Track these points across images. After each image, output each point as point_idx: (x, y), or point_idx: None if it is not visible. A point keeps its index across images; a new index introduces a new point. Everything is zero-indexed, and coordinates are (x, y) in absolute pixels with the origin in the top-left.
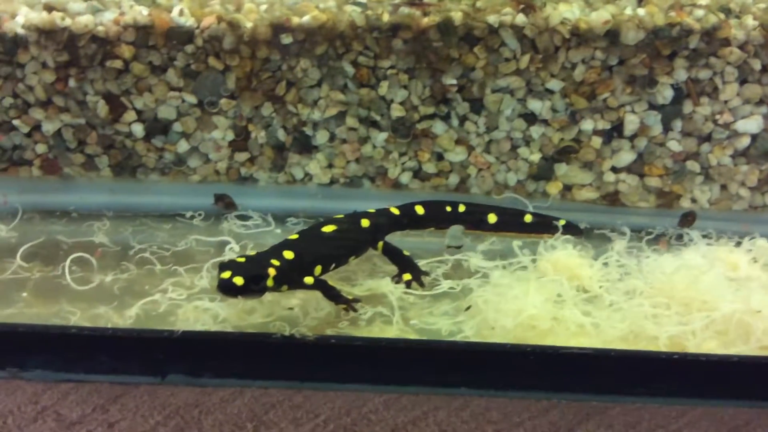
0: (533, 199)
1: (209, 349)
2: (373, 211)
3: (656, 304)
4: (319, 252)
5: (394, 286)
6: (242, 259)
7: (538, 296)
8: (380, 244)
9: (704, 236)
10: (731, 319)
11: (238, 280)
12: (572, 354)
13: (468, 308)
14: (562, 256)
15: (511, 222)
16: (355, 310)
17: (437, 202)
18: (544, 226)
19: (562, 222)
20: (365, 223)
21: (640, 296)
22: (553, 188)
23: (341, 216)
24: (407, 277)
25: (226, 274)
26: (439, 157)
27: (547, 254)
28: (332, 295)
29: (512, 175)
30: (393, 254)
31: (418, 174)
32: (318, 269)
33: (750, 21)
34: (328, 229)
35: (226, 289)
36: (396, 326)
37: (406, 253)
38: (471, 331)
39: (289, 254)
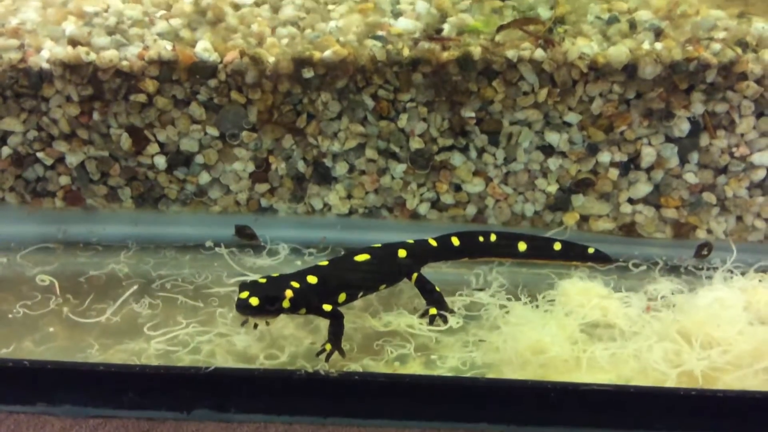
0: (550, 230)
1: (234, 384)
2: (411, 241)
3: (674, 339)
4: (345, 279)
5: (415, 320)
6: (263, 280)
7: (559, 331)
8: (414, 275)
9: (719, 268)
10: (752, 355)
11: (254, 301)
12: (592, 390)
13: (481, 341)
14: (583, 288)
15: (541, 249)
16: (339, 356)
17: (471, 233)
18: (573, 253)
19: (591, 250)
20: (402, 253)
21: (660, 331)
22: (570, 219)
23: (378, 245)
24: (433, 311)
25: (244, 294)
26: (457, 188)
27: (568, 287)
28: (335, 333)
29: (530, 206)
30: (424, 288)
31: (436, 204)
32: (342, 296)
33: (766, 55)
34: (362, 258)
35: (242, 308)
36: (416, 362)
37: (437, 288)
38: (490, 367)
39: (312, 279)
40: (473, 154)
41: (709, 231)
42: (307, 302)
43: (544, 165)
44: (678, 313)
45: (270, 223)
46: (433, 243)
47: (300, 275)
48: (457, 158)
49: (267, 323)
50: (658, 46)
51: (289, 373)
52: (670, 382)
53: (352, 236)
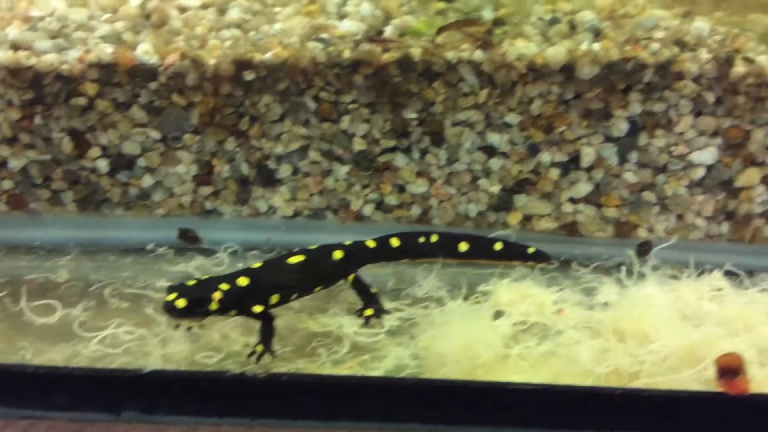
0: (494, 230)
1: (163, 386)
2: (349, 243)
3: (607, 337)
4: (277, 281)
5: (349, 323)
6: (192, 282)
7: (491, 331)
8: (351, 276)
9: (658, 267)
10: (677, 354)
11: (180, 303)
12: (519, 390)
13: (413, 339)
14: (519, 287)
15: (482, 250)
16: (257, 360)
17: (411, 234)
18: (514, 253)
19: (531, 249)
20: (338, 255)
21: (592, 329)
22: (513, 219)
23: (314, 247)
24: (369, 312)
25: (171, 296)
26: (401, 189)
27: (505, 286)
28: (265, 335)
29: (473, 206)
30: (361, 289)
31: (380, 206)
32: (275, 298)
33: (704, 54)
34: (296, 259)
35: (169, 310)
36: (349, 362)
37: (373, 289)
38: (420, 367)
39: (243, 281)
40: (416, 155)
41: (650, 230)
42: (237, 304)
43: (486, 165)
44: (611, 311)
45: (215, 226)
46: (372, 244)
47: (231, 277)
48: (400, 159)
49: (201, 325)
50: (596, 46)
51: (217, 375)
52: (599, 381)
53: (297, 238)
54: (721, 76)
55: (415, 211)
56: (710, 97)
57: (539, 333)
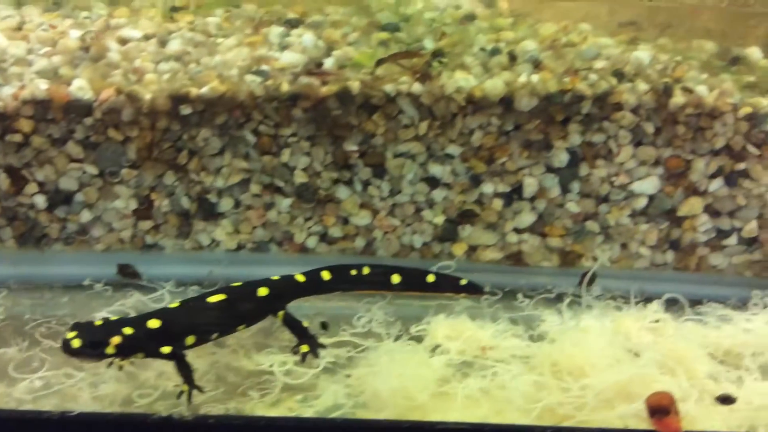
0: (440, 261)
1: (92, 428)
2: (276, 278)
3: (543, 372)
4: (192, 322)
5: (283, 360)
6: (99, 322)
7: (426, 368)
8: (281, 313)
9: (603, 296)
10: (611, 390)
11: (76, 343)
12: (449, 429)
13: (348, 376)
14: (455, 322)
15: (415, 282)
16: (188, 399)
17: (343, 267)
18: (446, 285)
19: (463, 281)
20: (263, 291)
21: (528, 364)
22: (458, 249)
23: (238, 284)
24: (304, 348)
25: (70, 335)
26: (345, 221)
27: (442, 320)
28: (183, 373)
29: (418, 237)
30: (292, 325)
31: (324, 238)
32: (190, 339)
33: (641, 85)
34: (216, 298)
35: (64, 349)
36: (285, 403)
37: (305, 323)
38: (355, 406)
39: (154, 323)
40: (358, 187)
41: (595, 259)
42: (142, 347)
43: (430, 197)
44: (548, 344)
45: (157, 260)
46: (301, 279)
47: (140, 319)
48: (342, 191)
49: (131, 362)
50: (535, 78)
51: (143, 417)
52: (532, 418)
53: (241, 271)
54: (659, 107)
55: (360, 242)
56: (650, 128)
57: (475, 369)
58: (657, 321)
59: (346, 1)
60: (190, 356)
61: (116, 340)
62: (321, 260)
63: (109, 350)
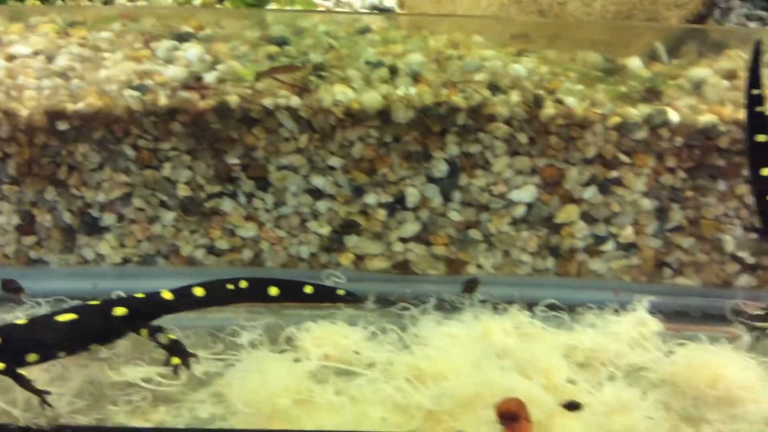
0: (328, 271)
1: None
2: (140, 295)
3: (406, 377)
4: (34, 340)
5: (152, 372)
6: None
7: (290, 376)
8: (143, 331)
9: (487, 303)
10: (468, 395)
11: None
12: None
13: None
14: (325, 330)
15: (292, 293)
16: (46, 403)
17: (218, 282)
18: (324, 295)
19: (341, 291)
20: (119, 311)
21: (390, 371)
22: (345, 259)
23: (96, 302)
24: (175, 361)
25: None
26: (231, 234)
27: (311, 328)
28: (24, 387)
29: (305, 248)
30: (159, 341)
31: (212, 250)
32: (33, 357)
33: (514, 97)
34: (66, 317)
35: None
36: (150, 414)
37: (172, 336)
38: (224, 418)
39: None
40: (243, 199)
41: (479, 266)
42: None
43: (314, 208)
44: (415, 350)
45: (43, 275)
46: (168, 296)
47: None
48: (227, 204)
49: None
50: (413, 90)
51: (2, 428)
52: (389, 425)
53: (128, 284)
54: (531, 118)
55: (247, 254)
56: (524, 138)
57: (340, 376)
58: (518, 327)
59: (246, 15)
60: (44, 366)
61: None
62: (209, 273)
63: None
